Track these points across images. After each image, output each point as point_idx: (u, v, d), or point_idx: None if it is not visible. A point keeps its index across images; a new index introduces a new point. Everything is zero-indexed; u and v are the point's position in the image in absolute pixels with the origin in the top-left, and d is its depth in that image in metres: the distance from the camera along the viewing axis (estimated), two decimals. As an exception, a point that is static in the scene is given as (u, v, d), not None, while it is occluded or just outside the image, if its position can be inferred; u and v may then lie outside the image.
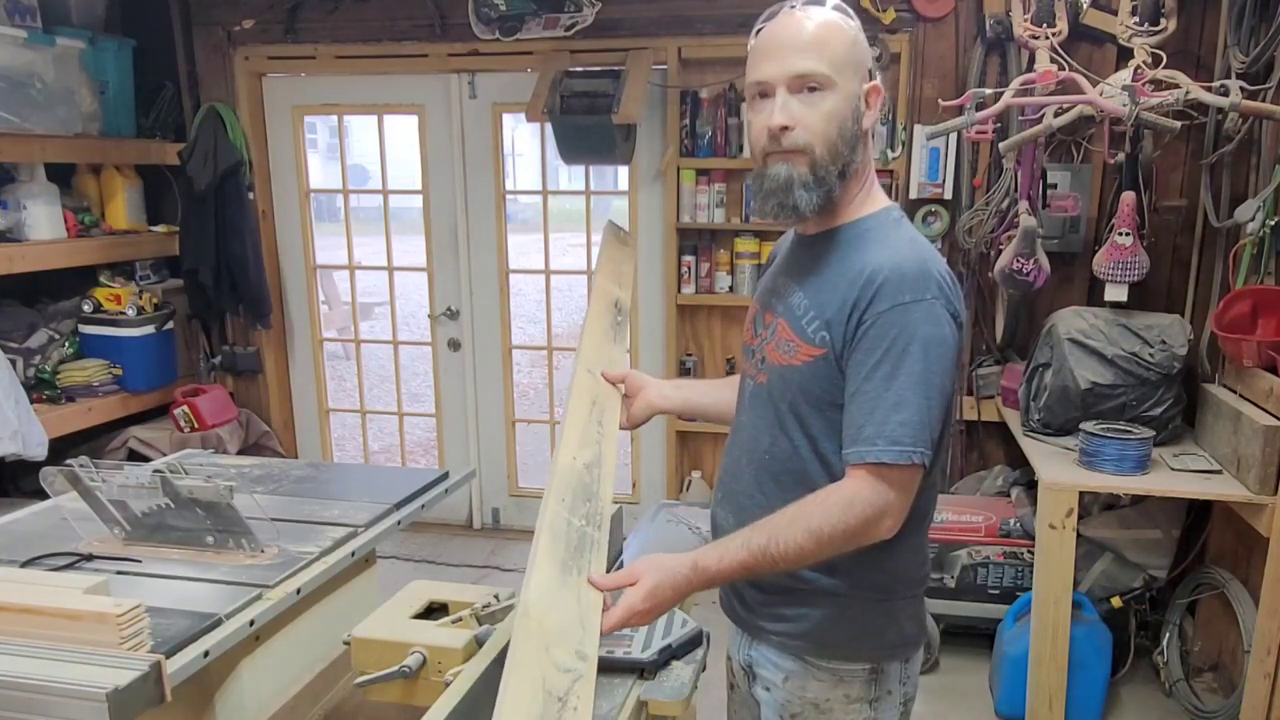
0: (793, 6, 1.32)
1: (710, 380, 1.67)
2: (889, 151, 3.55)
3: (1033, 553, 2.87)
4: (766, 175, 1.33)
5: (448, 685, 1.31)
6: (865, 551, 1.29)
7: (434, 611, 1.70)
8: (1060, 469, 2.72)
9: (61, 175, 3.81)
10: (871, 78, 1.34)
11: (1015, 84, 2.96)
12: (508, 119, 4.15)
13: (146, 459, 3.58)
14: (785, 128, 1.29)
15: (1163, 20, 3.04)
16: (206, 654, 1.54)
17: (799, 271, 1.40)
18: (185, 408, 4.00)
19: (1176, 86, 2.73)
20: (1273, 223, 2.65)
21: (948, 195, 3.51)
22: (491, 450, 4.41)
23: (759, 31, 1.35)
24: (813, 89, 1.28)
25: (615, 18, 3.71)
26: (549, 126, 3.65)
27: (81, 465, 1.86)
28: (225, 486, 1.81)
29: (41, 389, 3.71)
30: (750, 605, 1.46)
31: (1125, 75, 2.83)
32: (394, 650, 1.54)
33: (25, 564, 1.82)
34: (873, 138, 1.39)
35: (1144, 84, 2.77)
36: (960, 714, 2.99)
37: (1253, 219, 2.73)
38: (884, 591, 1.38)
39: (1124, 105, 2.68)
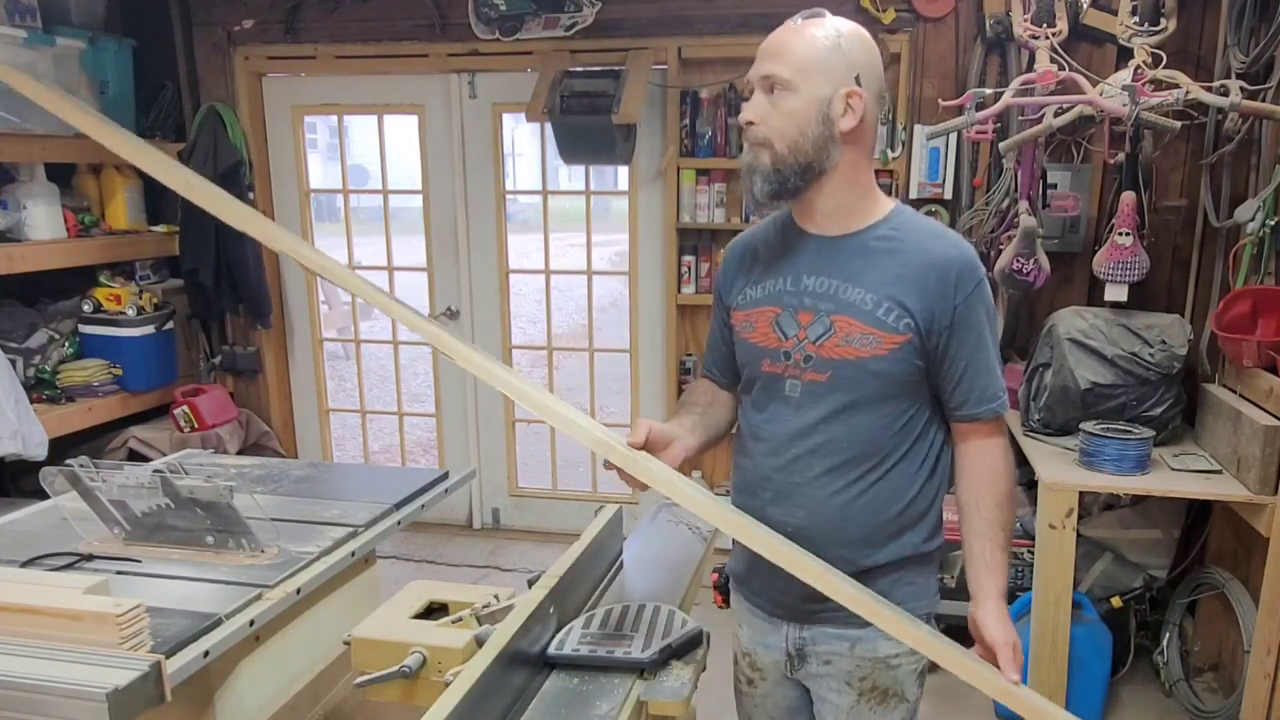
0: (792, 19, 1.44)
1: (700, 408, 1.63)
2: (889, 151, 3.55)
3: (1033, 553, 2.86)
4: (742, 162, 1.48)
5: (448, 685, 1.30)
6: (932, 508, 1.53)
7: (434, 611, 1.70)
8: (1060, 469, 2.72)
9: (61, 175, 3.81)
10: (858, 84, 1.40)
11: (1015, 84, 2.96)
12: (508, 119, 4.15)
13: (146, 459, 3.58)
14: (750, 122, 1.43)
15: (1163, 20, 3.04)
16: (206, 654, 1.54)
17: (839, 270, 1.47)
18: (185, 408, 4.00)
19: (1176, 86, 2.73)
20: (1273, 223, 2.65)
21: (948, 195, 3.52)
22: (491, 450, 4.41)
23: None
24: (777, 89, 1.40)
25: (615, 18, 3.71)
26: (549, 126, 3.65)
27: (81, 465, 1.86)
28: (225, 486, 1.82)
29: (41, 389, 3.71)
30: (809, 596, 1.45)
31: (1125, 75, 2.83)
32: (394, 650, 1.53)
33: (25, 564, 1.82)
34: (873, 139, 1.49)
35: (1144, 84, 2.76)
36: (960, 714, 2.99)
37: (1253, 219, 2.73)
38: (935, 543, 1.56)
39: (1124, 105, 2.69)
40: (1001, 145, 3.01)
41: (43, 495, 2.03)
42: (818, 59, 1.39)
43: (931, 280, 1.43)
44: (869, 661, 1.55)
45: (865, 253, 1.46)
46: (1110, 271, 2.91)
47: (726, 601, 1.76)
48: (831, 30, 1.41)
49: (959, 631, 3.26)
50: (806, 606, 1.54)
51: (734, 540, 1.65)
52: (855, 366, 1.45)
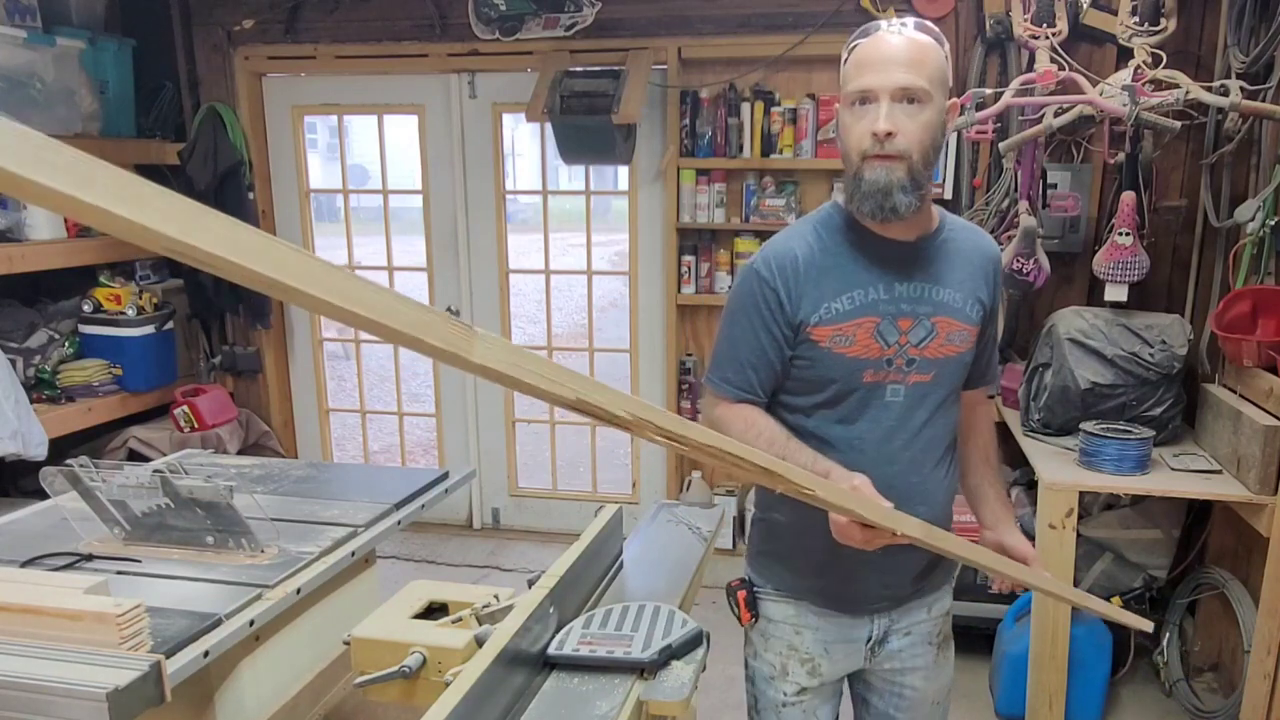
0: (890, 26, 1.45)
1: (789, 436, 1.55)
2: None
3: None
4: (864, 179, 1.43)
5: (448, 685, 1.30)
6: None
7: (434, 611, 1.70)
8: (1060, 469, 2.72)
9: (61, 175, 3.80)
10: (949, 96, 1.48)
11: (1015, 84, 2.96)
12: (508, 119, 4.15)
13: (146, 459, 3.58)
14: (890, 134, 1.40)
15: (1163, 20, 3.04)
16: (206, 654, 1.54)
17: (926, 274, 1.53)
18: (185, 408, 4.00)
19: (1176, 86, 2.73)
20: (1273, 223, 2.65)
21: (948, 195, 3.51)
22: (491, 450, 4.41)
23: (854, 47, 1.47)
24: (913, 101, 1.40)
25: (615, 18, 3.71)
26: (549, 126, 3.65)
27: (81, 465, 1.86)
28: (225, 486, 1.82)
29: (41, 389, 3.71)
30: (916, 577, 1.65)
31: (1125, 75, 2.83)
32: (394, 650, 1.53)
33: (25, 564, 1.82)
34: None
35: (1144, 84, 2.77)
36: (960, 714, 2.99)
37: (1253, 219, 2.73)
38: None
39: (1124, 105, 2.68)
40: (1001, 145, 3.01)
41: (43, 495, 2.03)
42: (941, 72, 1.44)
43: (990, 272, 1.60)
44: (941, 617, 1.73)
45: (942, 254, 1.54)
46: (1110, 271, 2.91)
47: (755, 615, 1.69)
48: (941, 43, 1.46)
49: (964, 630, 3.28)
50: (914, 587, 1.66)
51: (784, 554, 1.65)
52: (956, 363, 1.56)
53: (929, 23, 1.47)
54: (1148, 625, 1.81)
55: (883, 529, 1.34)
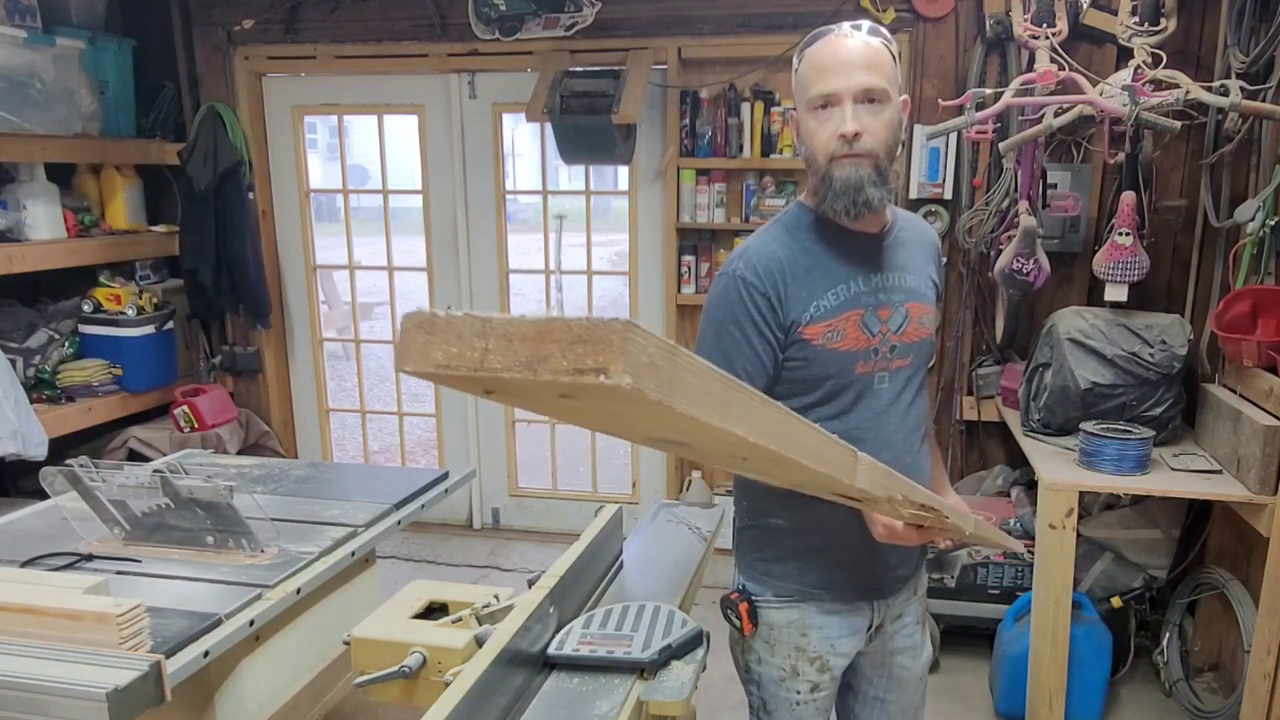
0: (842, 30, 1.49)
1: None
2: (889, 151, 3.55)
3: (1033, 553, 2.87)
4: (835, 178, 1.48)
5: (448, 685, 1.30)
6: None
7: (434, 611, 1.70)
8: (1060, 469, 2.72)
9: (61, 175, 3.81)
10: (901, 92, 1.53)
11: (1015, 84, 2.96)
12: (508, 119, 4.15)
13: (146, 459, 3.58)
14: (858, 134, 1.45)
15: (1163, 20, 3.04)
16: (206, 654, 1.54)
17: (891, 263, 1.60)
18: (185, 408, 4.00)
19: (1176, 86, 2.73)
20: (1273, 223, 2.65)
21: (948, 195, 3.52)
22: (491, 450, 4.41)
23: (806, 49, 1.51)
24: (874, 101, 1.46)
25: (615, 18, 3.71)
26: (549, 126, 3.65)
27: (81, 465, 1.86)
28: (225, 486, 1.82)
29: (41, 389, 3.71)
30: (907, 573, 1.71)
31: (1125, 75, 2.83)
32: (394, 650, 1.53)
33: (25, 564, 1.82)
34: None
35: (1144, 84, 2.76)
36: (960, 714, 3.00)
37: (1253, 219, 2.73)
38: None
39: (1124, 105, 2.68)
40: (1001, 145, 3.01)
41: (43, 495, 2.04)
42: (894, 71, 1.49)
43: (935, 255, 1.70)
44: (920, 596, 1.79)
45: (899, 243, 1.62)
46: (1110, 271, 2.91)
47: (755, 622, 1.66)
48: (891, 43, 1.51)
49: (964, 630, 3.26)
50: (914, 568, 1.73)
51: (788, 557, 1.65)
52: (926, 343, 1.65)
53: (880, 26, 1.52)
54: (1018, 546, 2.03)
55: (946, 529, 1.38)
